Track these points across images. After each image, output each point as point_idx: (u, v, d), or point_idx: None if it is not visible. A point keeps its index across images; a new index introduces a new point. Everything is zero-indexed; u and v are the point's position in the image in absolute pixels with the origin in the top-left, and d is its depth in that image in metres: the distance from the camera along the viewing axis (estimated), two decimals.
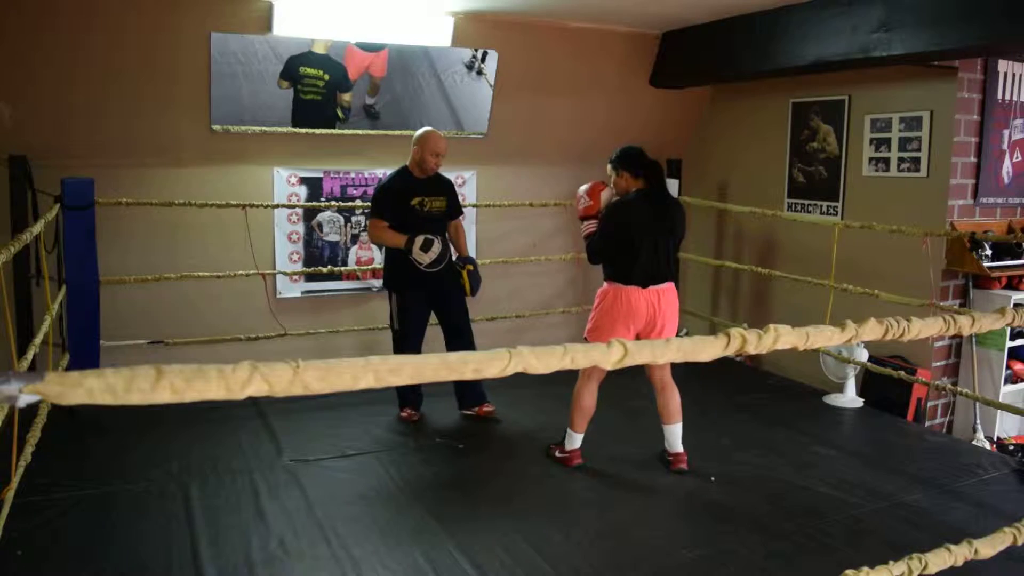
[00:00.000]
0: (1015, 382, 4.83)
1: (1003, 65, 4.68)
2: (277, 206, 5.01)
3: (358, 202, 5.24)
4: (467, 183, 5.50)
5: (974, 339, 4.75)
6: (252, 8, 4.39)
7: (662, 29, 5.38)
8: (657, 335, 3.57)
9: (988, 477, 3.74)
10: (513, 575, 2.79)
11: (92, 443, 3.91)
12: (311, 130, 4.92)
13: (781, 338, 1.38)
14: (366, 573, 2.78)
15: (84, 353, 4.23)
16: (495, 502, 3.42)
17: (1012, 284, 4.85)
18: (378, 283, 5.42)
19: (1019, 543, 1.99)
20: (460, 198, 4.49)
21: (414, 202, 4.12)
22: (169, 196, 4.65)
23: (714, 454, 3.92)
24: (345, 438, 4.06)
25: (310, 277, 5.25)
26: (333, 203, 5.19)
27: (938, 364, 4.81)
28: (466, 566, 2.83)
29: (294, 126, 4.87)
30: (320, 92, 4.83)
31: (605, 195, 3.74)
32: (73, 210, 4.12)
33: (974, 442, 4.57)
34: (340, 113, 4.96)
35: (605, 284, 3.66)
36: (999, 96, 4.70)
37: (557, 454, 3.81)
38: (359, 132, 5.08)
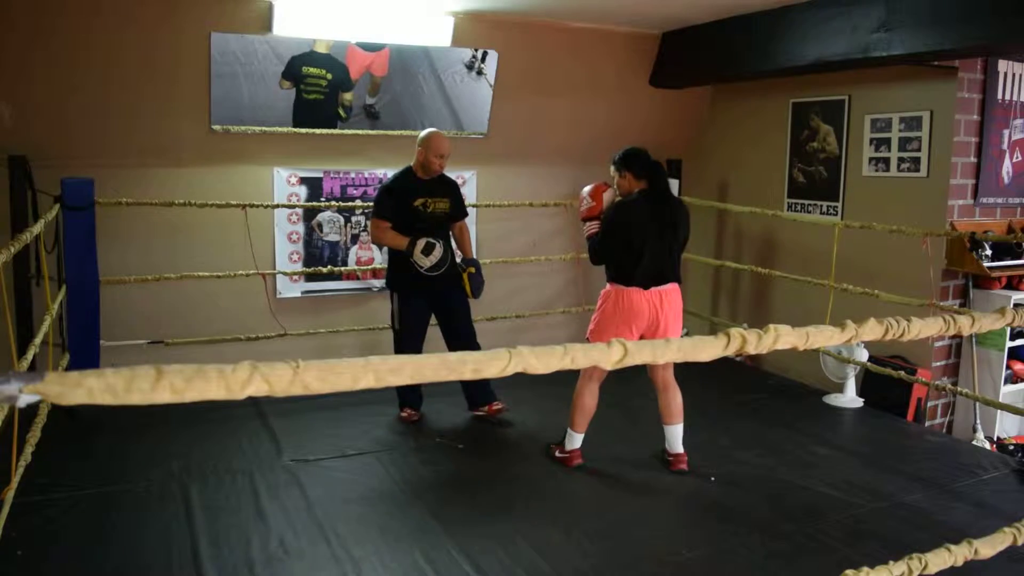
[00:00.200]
0: (1015, 382, 4.83)
1: (1003, 65, 4.68)
2: (277, 206, 5.01)
3: (358, 202, 5.24)
4: (467, 183, 5.49)
5: (974, 339, 4.75)
6: (252, 8, 4.39)
7: (662, 29, 5.38)
8: (661, 336, 3.57)
9: (988, 477, 3.74)
10: (513, 575, 2.79)
11: (92, 443, 3.91)
12: (311, 130, 4.93)
13: (781, 338, 1.38)
14: (366, 573, 2.78)
15: (84, 353, 4.23)
16: (495, 502, 3.42)
17: (1012, 284, 4.85)
18: (378, 283, 5.42)
19: (1019, 543, 1.99)
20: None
21: (417, 203, 4.11)
22: (169, 196, 4.65)
23: (714, 454, 3.93)
24: (345, 438, 4.06)
25: (310, 277, 5.25)
26: (333, 203, 5.19)
27: (938, 364, 4.81)
28: (466, 566, 2.83)
29: (295, 126, 4.87)
30: (323, 91, 4.83)
31: (608, 196, 3.74)
32: (73, 210, 4.12)
33: (974, 442, 4.57)
34: (342, 112, 4.96)
35: (608, 285, 3.66)
36: (999, 96, 4.70)
37: (557, 454, 3.81)
38: (359, 132, 5.08)
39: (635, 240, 3.53)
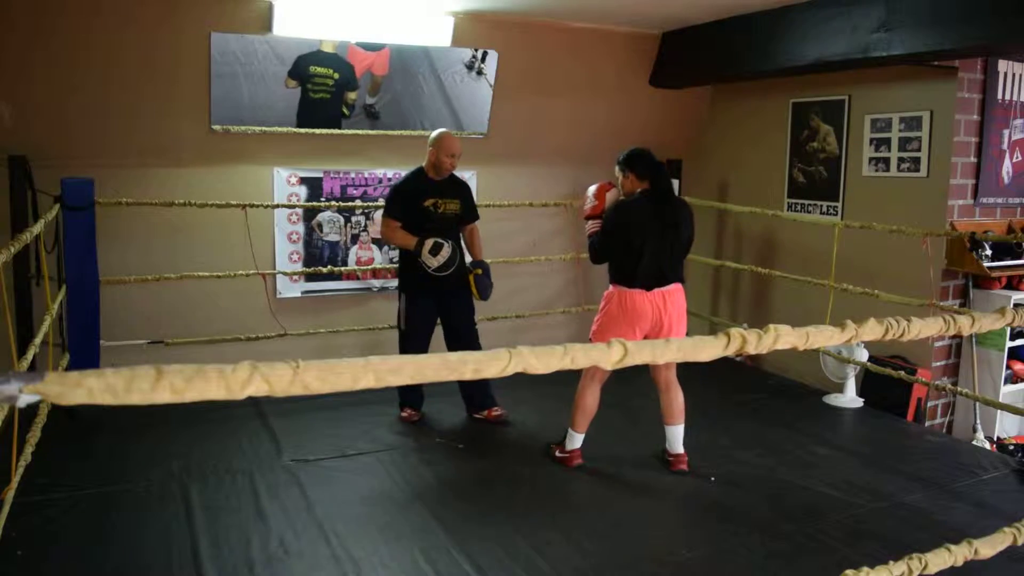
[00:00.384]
0: (1015, 382, 4.83)
1: (1003, 65, 4.68)
2: (277, 206, 5.01)
3: (358, 202, 5.24)
4: (467, 183, 5.49)
5: (974, 339, 4.75)
6: (252, 8, 4.39)
7: (662, 29, 5.38)
8: (665, 336, 3.56)
9: (988, 477, 3.74)
10: (513, 575, 2.79)
11: (92, 443, 3.91)
12: (311, 130, 4.93)
13: (781, 338, 1.38)
14: (366, 573, 2.78)
15: (84, 353, 4.23)
16: (495, 502, 3.42)
17: (1012, 284, 4.85)
18: (378, 283, 5.43)
19: (1019, 543, 1.99)
20: None
21: (427, 203, 4.12)
22: (169, 196, 4.65)
23: (714, 454, 3.93)
24: (345, 438, 4.06)
25: (310, 277, 5.25)
26: (333, 203, 5.19)
27: (938, 364, 4.81)
28: (466, 566, 2.83)
29: (300, 125, 4.88)
30: (330, 91, 4.84)
31: (611, 196, 3.74)
32: (73, 210, 4.12)
33: (974, 442, 4.57)
34: (346, 111, 4.97)
35: (610, 287, 3.65)
36: (999, 96, 4.70)
37: (557, 454, 3.81)
38: (359, 132, 5.08)
39: (636, 240, 3.52)
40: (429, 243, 4.02)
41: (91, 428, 4.04)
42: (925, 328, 1.57)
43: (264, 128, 4.81)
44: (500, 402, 4.39)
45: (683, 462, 3.71)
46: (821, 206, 5.31)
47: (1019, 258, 4.76)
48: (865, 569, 1.79)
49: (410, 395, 4.37)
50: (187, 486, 3.45)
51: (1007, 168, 4.86)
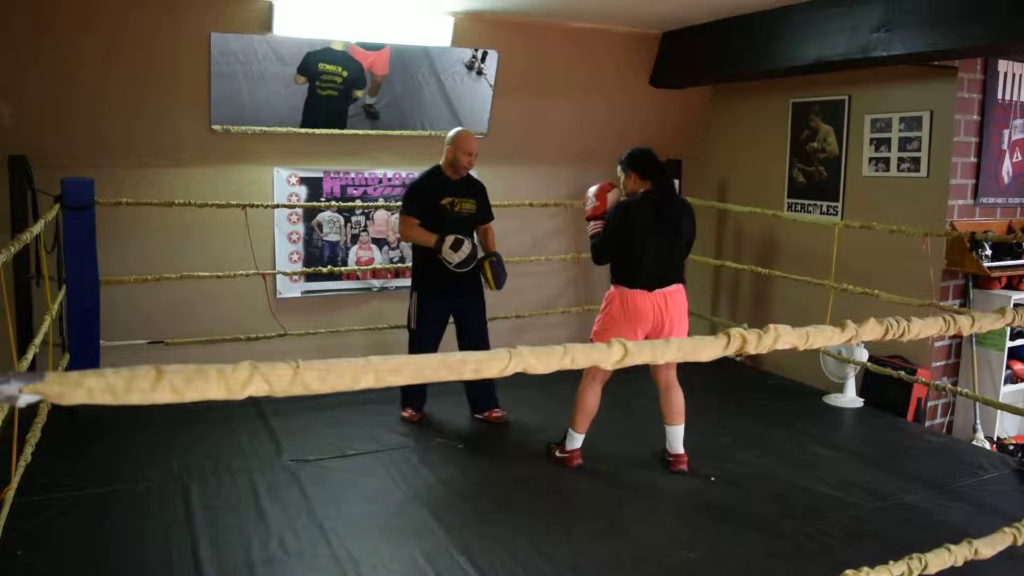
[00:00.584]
0: (1015, 382, 4.83)
1: (1003, 65, 4.68)
2: (277, 206, 5.01)
3: (358, 202, 5.24)
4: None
5: (974, 339, 4.75)
6: (252, 8, 4.39)
7: (662, 29, 5.38)
8: (666, 337, 3.56)
9: (988, 477, 3.74)
10: (513, 575, 2.79)
11: (92, 443, 3.91)
12: (311, 130, 4.93)
13: (781, 338, 1.38)
14: (366, 573, 2.78)
15: (84, 353, 4.23)
16: (495, 502, 3.42)
17: (1012, 284, 4.85)
18: (378, 283, 5.43)
19: (1019, 543, 1.99)
20: None
21: (444, 202, 4.12)
22: (169, 196, 4.65)
23: (714, 454, 3.92)
24: (345, 438, 4.06)
25: (310, 277, 5.25)
26: (333, 203, 5.19)
27: (938, 364, 4.81)
28: (466, 566, 2.83)
29: (305, 122, 4.88)
30: (338, 88, 4.85)
31: (612, 196, 3.75)
32: (73, 210, 4.12)
33: (974, 442, 4.57)
34: (351, 109, 4.98)
35: (611, 287, 3.65)
36: (999, 96, 4.70)
37: (558, 454, 3.81)
38: (359, 132, 5.08)
39: (635, 240, 3.52)
40: (449, 239, 4.02)
41: (91, 428, 4.04)
42: (925, 328, 1.57)
43: (264, 128, 4.81)
44: (501, 403, 4.39)
45: (683, 462, 3.71)
46: (821, 206, 5.31)
47: (1019, 258, 4.76)
48: (865, 569, 1.79)
49: (413, 395, 4.37)
50: (187, 486, 3.45)
51: (1007, 168, 4.86)
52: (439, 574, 2.78)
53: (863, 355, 4.83)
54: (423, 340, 4.22)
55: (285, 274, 5.16)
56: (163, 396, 0.93)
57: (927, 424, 4.77)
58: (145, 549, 2.92)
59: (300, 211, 5.18)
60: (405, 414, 4.36)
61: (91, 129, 4.47)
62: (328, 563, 2.84)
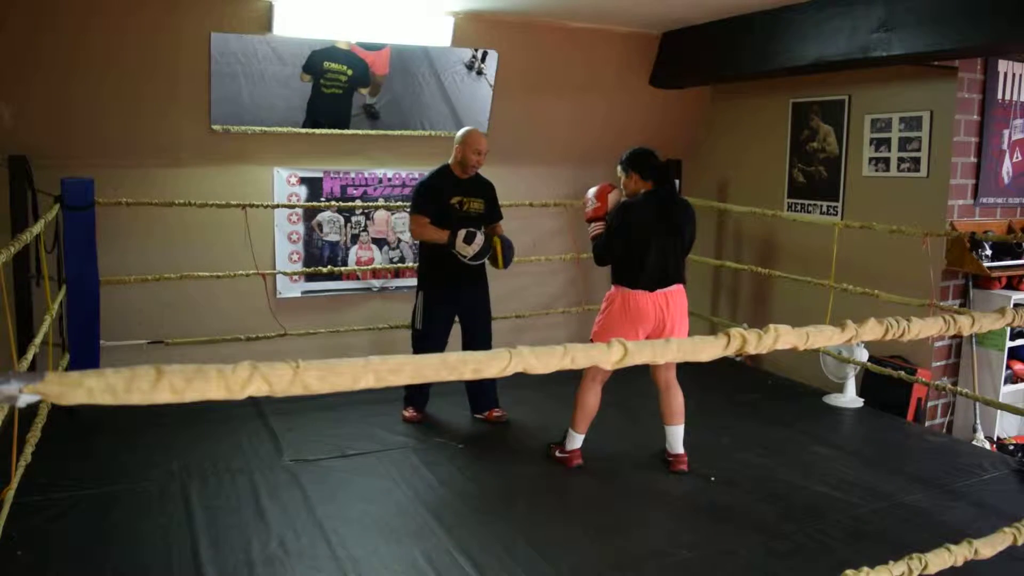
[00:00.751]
0: (1015, 382, 4.83)
1: (1003, 65, 4.68)
2: (277, 206, 5.01)
3: (358, 202, 5.24)
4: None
5: (974, 339, 4.75)
6: (252, 8, 4.39)
7: (662, 29, 5.38)
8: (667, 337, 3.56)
9: (988, 477, 3.74)
10: (513, 575, 2.79)
11: (92, 443, 3.91)
12: (312, 130, 4.93)
13: (781, 338, 1.38)
14: (366, 573, 2.78)
15: (84, 353, 4.23)
16: (495, 502, 3.42)
17: (1012, 284, 4.85)
18: (378, 283, 5.44)
19: (1019, 543, 1.99)
20: None
21: (453, 201, 4.13)
22: (169, 196, 4.65)
23: (714, 454, 3.92)
24: (345, 438, 4.06)
25: (310, 277, 5.25)
26: (333, 203, 5.19)
27: (938, 364, 4.81)
28: (466, 566, 2.83)
29: (308, 119, 4.88)
30: (342, 86, 4.86)
31: (613, 197, 3.74)
32: (73, 210, 4.12)
33: (974, 442, 4.57)
34: (353, 109, 4.98)
35: (612, 288, 3.65)
36: (999, 96, 4.70)
37: (557, 454, 3.81)
38: (359, 132, 5.08)
39: (639, 241, 3.52)
40: (462, 233, 4.03)
41: (91, 428, 4.04)
42: (925, 328, 1.57)
43: (264, 128, 4.81)
44: (502, 403, 4.40)
45: (683, 462, 3.71)
46: (821, 206, 5.31)
47: (1019, 258, 4.76)
48: (865, 569, 1.79)
49: (416, 396, 4.37)
50: (187, 486, 3.45)
51: (1007, 168, 4.86)
52: (439, 574, 2.78)
53: (863, 355, 4.83)
54: (430, 340, 4.20)
55: (285, 274, 5.16)
56: (163, 396, 0.93)
57: (927, 424, 4.77)
58: (145, 549, 2.92)
59: (300, 211, 5.18)
60: (407, 414, 4.36)
61: (91, 129, 4.47)
62: (328, 563, 2.84)
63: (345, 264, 5.34)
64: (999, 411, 4.58)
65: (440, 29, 4.78)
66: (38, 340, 3.46)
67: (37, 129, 4.34)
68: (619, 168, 3.71)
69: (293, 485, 3.49)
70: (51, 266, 4.11)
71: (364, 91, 4.95)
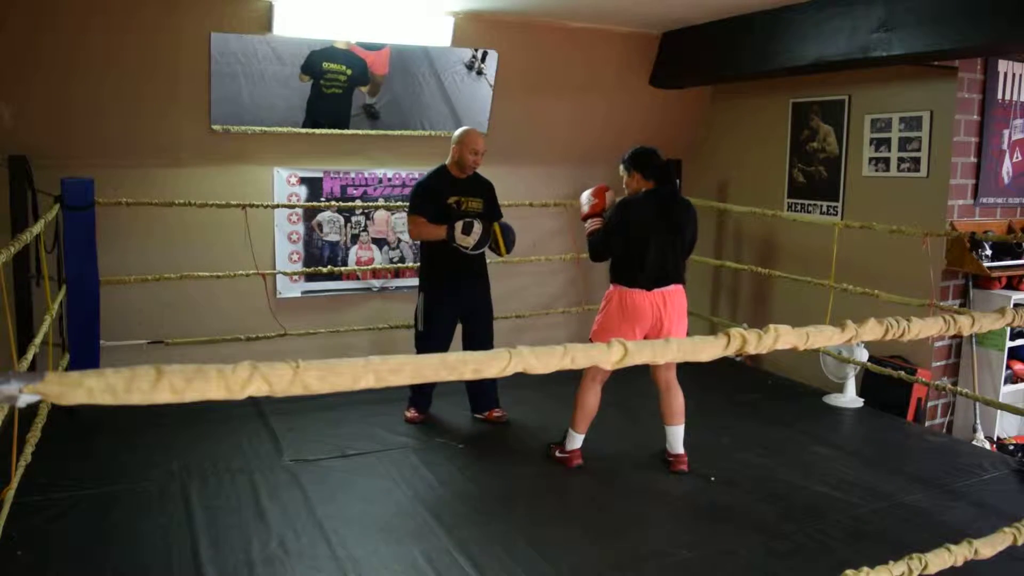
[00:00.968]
0: (1015, 382, 4.83)
1: (1003, 65, 4.68)
2: (277, 206, 5.01)
3: (358, 202, 5.24)
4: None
5: (974, 339, 4.75)
6: (252, 8, 4.39)
7: (662, 29, 5.38)
8: (664, 337, 3.56)
9: (988, 477, 3.74)
10: (513, 575, 2.79)
11: (92, 443, 3.91)
12: (312, 130, 4.93)
13: (781, 338, 1.38)
14: (366, 573, 2.78)
15: (84, 353, 4.23)
16: (495, 502, 3.42)
17: (1012, 284, 4.85)
18: (378, 283, 5.43)
19: (1019, 543, 1.99)
20: None
21: (451, 201, 4.12)
22: (169, 196, 4.65)
23: (714, 454, 3.92)
24: (345, 438, 4.06)
25: (310, 277, 5.25)
26: (333, 203, 5.19)
27: (938, 364, 4.81)
28: (466, 566, 2.83)
29: (308, 120, 4.89)
30: (342, 86, 4.86)
31: (609, 196, 3.76)
32: (73, 210, 4.12)
33: (974, 442, 4.57)
34: (353, 108, 4.98)
35: (611, 286, 3.65)
36: (999, 96, 4.70)
37: (557, 454, 3.80)
38: (359, 132, 5.08)
39: (638, 239, 3.53)
40: (459, 225, 4.02)
41: (91, 428, 4.04)
42: (925, 328, 1.57)
43: (264, 128, 4.81)
44: (502, 403, 4.40)
45: (683, 462, 3.71)
46: (821, 206, 5.31)
47: (1019, 258, 4.76)
48: (865, 569, 1.79)
49: (419, 398, 4.37)
50: (187, 486, 3.45)
51: (1007, 168, 4.86)
52: (439, 574, 2.78)
53: (863, 355, 4.83)
54: (433, 341, 4.18)
55: (285, 274, 5.16)
56: (163, 396, 0.93)
57: (927, 424, 4.77)
58: (145, 549, 2.92)
59: (300, 211, 5.18)
60: (408, 414, 4.36)
61: (91, 129, 4.47)
62: (328, 563, 2.84)
63: (345, 264, 5.34)
64: (999, 411, 4.58)
65: (440, 29, 4.78)
66: (38, 340, 3.46)
67: (37, 129, 4.34)
68: (621, 167, 3.71)
69: (293, 485, 3.49)
70: (51, 266, 4.11)
71: (364, 89, 4.95)
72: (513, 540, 3.02)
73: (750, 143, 5.84)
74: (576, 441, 3.76)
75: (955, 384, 4.78)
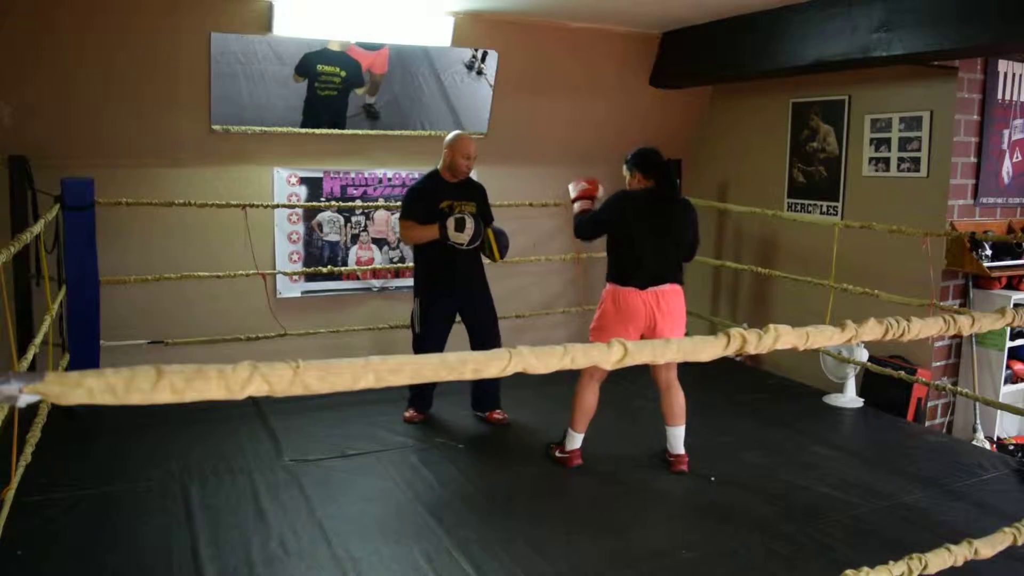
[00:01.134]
0: (1015, 382, 4.83)
1: (1003, 65, 4.68)
2: (277, 206, 5.01)
3: (358, 202, 5.24)
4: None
5: (974, 339, 4.75)
6: (252, 8, 4.39)
7: (662, 29, 5.38)
8: (658, 337, 3.57)
9: (988, 477, 3.74)
10: (513, 575, 2.79)
11: (92, 443, 3.91)
12: (312, 130, 4.93)
13: (781, 338, 1.38)
14: (366, 573, 2.78)
15: (84, 353, 4.23)
16: (495, 502, 3.42)
17: (1012, 284, 4.85)
18: (378, 283, 5.44)
19: (1019, 543, 1.99)
20: None
21: (443, 205, 4.10)
22: (169, 196, 4.65)
23: (714, 454, 3.92)
24: (345, 438, 4.06)
25: (310, 277, 5.25)
26: (333, 203, 5.20)
27: (938, 364, 4.81)
28: (466, 566, 2.82)
29: (305, 122, 4.89)
30: (337, 88, 4.86)
31: (601, 189, 3.80)
32: (73, 210, 4.12)
33: (974, 442, 4.57)
34: (350, 109, 4.98)
35: (607, 285, 3.66)
36: (999, 96, 4.70)
37: (557, 454, 3.81)
38: (359, 132, 5.08)
39: (624, 234, 3.54)
40: (451, 222, 4.00)
41: (91, 428, 4.04)
42: (925, 328, 1.57)
43: (264, 128, 4.81)
44: (502, 404, 4.39)
45: (683, 463, 3.71)
46: (821, 206, 5.31)
47: (1019, 258, 4.76)
48: (865, 569, 1.79)
49: (420, 397, 4.37)
50: (187, 486, 3.45)
51: (1007, 168, 4.86)
52: (439, 574, 2.78)
53: (863, 355, 4.83)
54: (428, 343, 4.18)
55: (285, 274, 5.16)
56: (163, 396, 0.93)
57: (927, 424, 4.77)
58: (145, 549, 2.92)
59: (300, 211, 5.18)
60: (407, 414, 4.36)
61: (91, 129, 4.47)
62: (328, 563, 2.84)
63: (345, 264, 5.34)
64: (999, 411, 4.58)
65: (440, 29, 4.78)
66: (38, 340, 3.46)
67: (37, 129, 4.34)
68: (624, 167, 3.73)
69: (293, 485, 3.49)
70: (51, 266, 4.11)
71: (360, 91, 4.95)
72: (513, 540, 3.02)
73: (750, 143, 5.84)
74: (576, 441, 3.76)
75: (955, 384, 4.78)
